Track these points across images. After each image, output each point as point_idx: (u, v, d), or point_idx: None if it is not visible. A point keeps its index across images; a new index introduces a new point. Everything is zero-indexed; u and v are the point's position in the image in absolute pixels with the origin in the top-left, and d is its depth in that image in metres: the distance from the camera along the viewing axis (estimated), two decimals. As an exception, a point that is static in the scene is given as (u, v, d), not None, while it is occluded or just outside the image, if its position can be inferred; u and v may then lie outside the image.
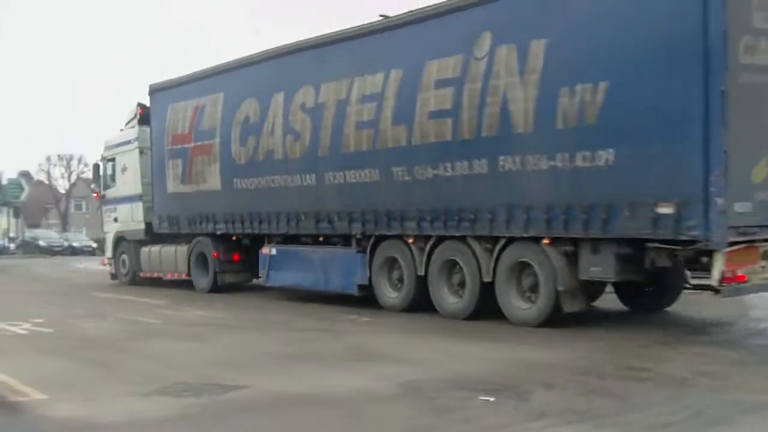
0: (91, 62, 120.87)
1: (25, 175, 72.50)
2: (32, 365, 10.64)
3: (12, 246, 58.41)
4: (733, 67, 10.58)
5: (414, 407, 7.79)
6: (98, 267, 28.41)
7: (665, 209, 11.00)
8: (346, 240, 15.71)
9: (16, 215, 60.03)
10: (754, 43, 10.78)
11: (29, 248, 56.25)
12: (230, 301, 17.65)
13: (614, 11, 11.57)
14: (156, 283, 21.35)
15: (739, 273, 11.10)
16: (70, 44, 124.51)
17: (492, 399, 7.94)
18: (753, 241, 11.14)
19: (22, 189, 59.35)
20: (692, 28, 10.66)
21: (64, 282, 25.34)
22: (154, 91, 20.71)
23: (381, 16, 15.00)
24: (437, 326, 13.27)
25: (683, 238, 10.92)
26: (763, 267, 11.45)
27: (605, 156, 11.55)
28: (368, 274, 15.21)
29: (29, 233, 61.69)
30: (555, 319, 12.56)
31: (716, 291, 11.24)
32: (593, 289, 14.23)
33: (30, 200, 61.90)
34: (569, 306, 12.48)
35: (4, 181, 58.96)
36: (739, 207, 10.74)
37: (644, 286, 13.72)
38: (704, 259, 11.07)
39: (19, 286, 24.98)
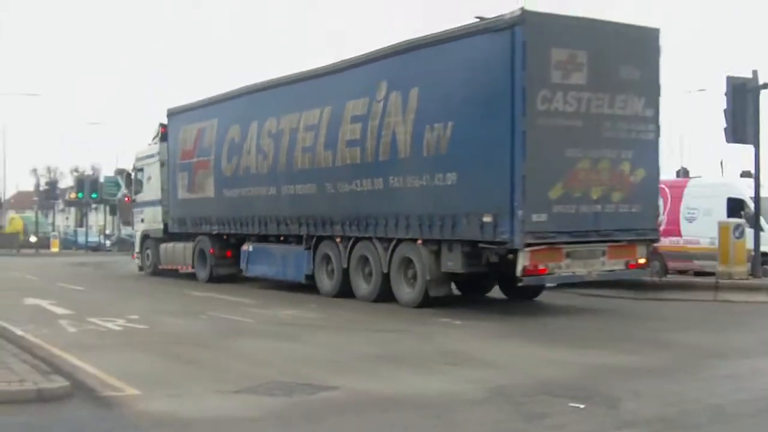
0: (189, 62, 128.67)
1: (122, 173, 77.26)
2: (126, 361, 10.80)
3: (108, 243, 61.93)
4: (532, 113, 14.37)
5: (503, 412, 7.82)
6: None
7: (487, 219, 14.82)
8: (298, 239, 19.76)
9: (113, 213, 63.90)
10: (551, 95, 14.55)
11: (125, 245, 58.54)
12: (321, 301, 18.14)
13: (457, 69, 15.45)
14: (246, 282, 22.17)
15: (540, 267, 14.82)
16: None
17: (582, 406, 7.99)
18: (555, 243, 14.90)
19: (119, 187, 62.81)
20: (504, 84, 14.55)
21: (158, 279, 25.31)
22: (171, 114, 25.14)
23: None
24: (526, 331, 13.80)
25: (498, 240, 14.75)
26: (568, 264, 15.19)
27: (451, 178, 15.46)
28: (312, 266, 19.34)
29: (125, 230, 65.59)
30: (428, 302, 16.35)
31: (519, 280, 15.05)
32: (486, 283, 18.23)
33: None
34: (435, 292, 16.29)
35: (102, 179, 61.59)
36: (536, 217, 14.46)
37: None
38: (511, 256, 14.84)
39: (114, 282, 25.68)
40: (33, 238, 58.66)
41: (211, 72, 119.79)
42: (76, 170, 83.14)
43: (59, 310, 16.45)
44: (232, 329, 13.93)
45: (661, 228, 18.64)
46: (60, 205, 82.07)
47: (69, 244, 61.65)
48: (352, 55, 18.32)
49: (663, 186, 20.00)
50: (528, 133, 14.32)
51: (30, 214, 75.18)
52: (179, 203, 24.41)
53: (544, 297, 18.03)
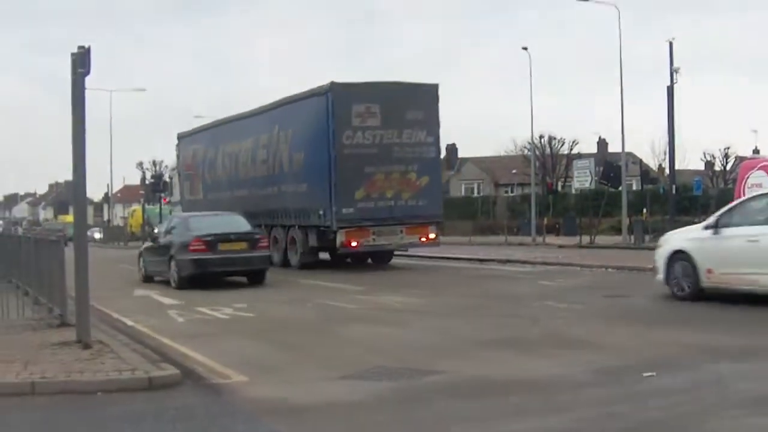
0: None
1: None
2: (233, 348, 11.11)
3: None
4: (341, 146, 24.35)
5: (610, 393, 8.02)
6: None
7: (321, 212, 25.07)
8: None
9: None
10: (352, 134, 24.44)
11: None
12: (429, 287, 19.28)
13: (306, 117, 25.90)
14: (354, 269, 25.80)
15: (353, 243, 24.58)
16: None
17: (654, 374, 8.52)
18: (363, 226, 24.43)
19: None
20: (325, 128, 24.82)
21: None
22: (179, 138, 36.96)
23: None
24: (633, 313, 14.03)
25: (326, 225, 24.81)
26: (375, 239, 24.85)
27: (304, 187, 25.97)
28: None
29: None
30: (305, 266, 25.56)
31: (338, 250, 24.72)
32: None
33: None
34: (306, 259, 26.01)
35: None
36: (346, 210, 24.29)
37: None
38: (332, 236, 24.58)
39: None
40: (156, 229, 61.89)
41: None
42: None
43: (168, 301, 17.41)
44: (337, 316, 14.47)
45: None
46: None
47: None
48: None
49: None
50: (337, 159, 24.40)
51: (137, 207, 77.08)
52: (186, 203, 35.54)
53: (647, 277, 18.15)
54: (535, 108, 63.76)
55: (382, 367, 9.50)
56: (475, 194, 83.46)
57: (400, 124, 24.67)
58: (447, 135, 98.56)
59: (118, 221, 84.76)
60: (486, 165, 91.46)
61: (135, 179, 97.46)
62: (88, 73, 10.55)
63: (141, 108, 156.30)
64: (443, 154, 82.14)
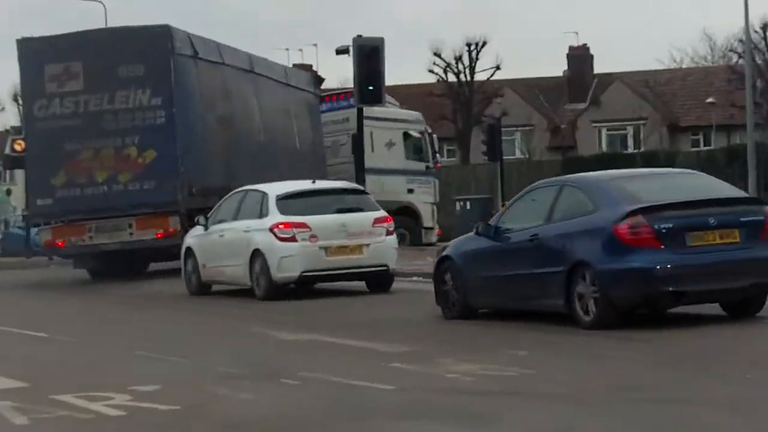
0: None
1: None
2: None
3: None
4: (32, 119, 27.53)
5: None
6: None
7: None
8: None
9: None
10: (47, 103, 26.62)
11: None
12: (531, 345, 14.11)
13: None
14: (388, 311, 18.16)
15: (58, 241, 26.42)
16: None
17: None
18: (75, 221, 26.04)
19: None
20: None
21: (207, 308, 20.84)
22: None
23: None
24: None
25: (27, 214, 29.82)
26: (91, 237, 26.15)
27: None
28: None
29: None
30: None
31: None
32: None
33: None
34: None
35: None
36: (41, 201, 26.62)
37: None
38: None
39: (118, 315, 20.46)
40: None
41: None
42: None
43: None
44: (351, 407, 10.49)
45: None
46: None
47: (16, 243, 43.89)
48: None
49: None
50: (28, 135, 27.73)
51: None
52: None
53: None
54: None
55: None
56: (631, 147, 61.70)
57: (111, 84, 26.12)
58: (573, 36, 67.68)
59: None
60: (652, 89, 66.57)
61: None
62: None
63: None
64: (563, 69, 65.46)
